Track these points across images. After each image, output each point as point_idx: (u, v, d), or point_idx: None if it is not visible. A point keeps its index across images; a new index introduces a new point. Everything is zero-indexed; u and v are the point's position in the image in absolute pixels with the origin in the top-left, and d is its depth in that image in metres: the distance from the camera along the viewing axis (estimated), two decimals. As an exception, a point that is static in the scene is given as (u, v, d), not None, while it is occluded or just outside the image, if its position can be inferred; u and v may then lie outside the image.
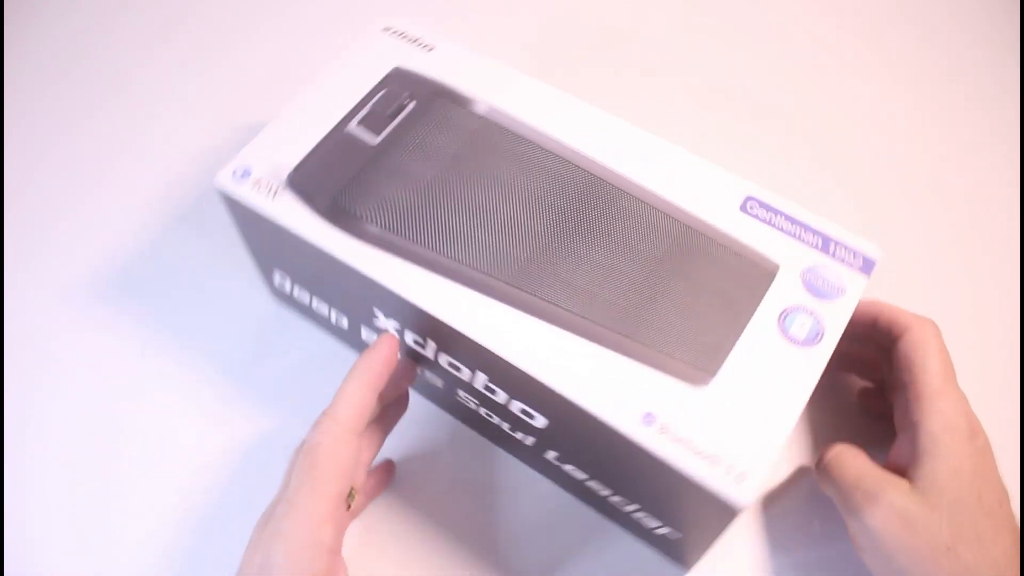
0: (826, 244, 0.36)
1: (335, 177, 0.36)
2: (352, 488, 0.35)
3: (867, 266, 0.35)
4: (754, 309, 0.34)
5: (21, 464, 0.43)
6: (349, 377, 0.34)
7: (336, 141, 0.38)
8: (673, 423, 0.31)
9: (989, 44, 0.58)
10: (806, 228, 0.36)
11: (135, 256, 0.49)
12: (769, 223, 0.36)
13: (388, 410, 0.39)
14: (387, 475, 0.42)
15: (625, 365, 0.32)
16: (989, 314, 0.47)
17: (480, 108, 0.39)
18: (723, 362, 0.33)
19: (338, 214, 0.35)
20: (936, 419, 0.34)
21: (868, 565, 0.35)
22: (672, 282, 0.35)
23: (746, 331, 0.33)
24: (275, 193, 0.36)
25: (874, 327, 0.38)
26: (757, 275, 0.35)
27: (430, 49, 0.41)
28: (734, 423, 0.31)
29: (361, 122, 0.38)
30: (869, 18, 0.60)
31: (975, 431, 0.34)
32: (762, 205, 0.37)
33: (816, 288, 0.34)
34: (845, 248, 0.36)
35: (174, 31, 0.58)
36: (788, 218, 0.36)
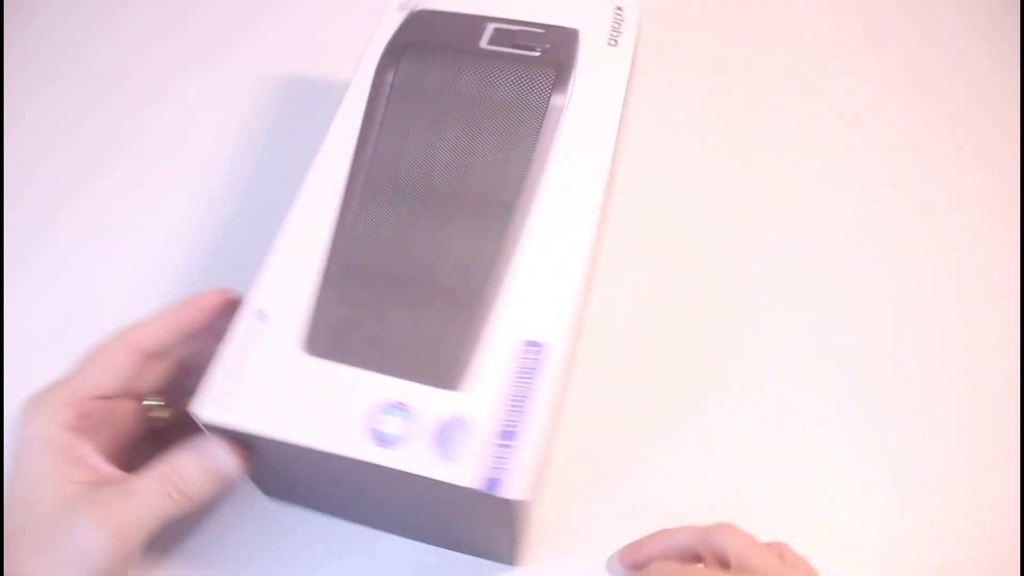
0: None
1: None
2: (151, 398, 0.37)
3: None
4: None
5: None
6: (167, 312, 0.37)
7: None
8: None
9: (989, 44, 0.58)
10: None
11: (136, 256, 0.49)
12: None
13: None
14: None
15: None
16: (989, 314, 0.46)
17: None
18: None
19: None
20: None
21: None
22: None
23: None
24: None
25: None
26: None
27: None
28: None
29: None
30: (868, 18, 0.60)
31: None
32: None
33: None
34: None
35: (174, 31, 0.58)
36: None
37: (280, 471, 0.36)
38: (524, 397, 0.31)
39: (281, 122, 0.54)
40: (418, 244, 0.35)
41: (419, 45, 0.41)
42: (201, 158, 0.53)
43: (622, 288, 0.47)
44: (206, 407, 0.32)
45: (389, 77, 0.40)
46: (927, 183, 0.52)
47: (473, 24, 0.42)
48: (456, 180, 0.37)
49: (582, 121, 0.39)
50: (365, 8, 0.55)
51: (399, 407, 0.31)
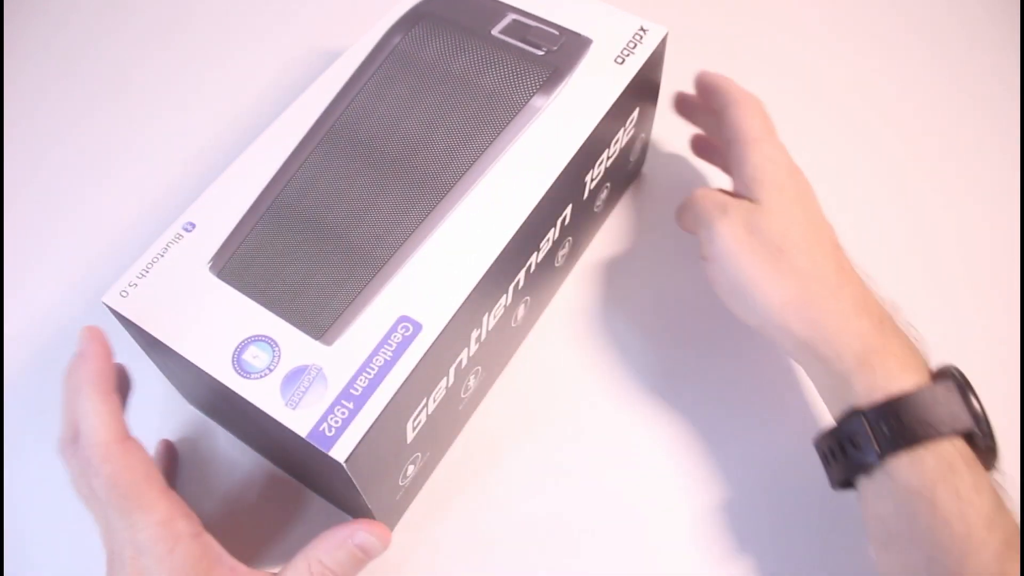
0: None
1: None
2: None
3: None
4: None
5: (21, 466, 0.43)
6: (83, 395, 0.32)
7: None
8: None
9: (989, 44, 0.58)
10: None
11: (135, 258, 0.48)
12: None
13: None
14: (171, 453, 0.42)
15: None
16: (989, 315, 0.47)
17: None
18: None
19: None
20: (759, 156, 0.39)
21: (710, 279, 0.40)
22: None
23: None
24: None
25: (710, 95, 0.43)
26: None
27: None
28: None
29: None
30: (866, 17, 0.60)
31: (792, 169, 0.40)
32: None
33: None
34: None
35: (174, 31, 0.58)
36: None
37: (184, 378, 0.38)
38: (381, 368, 0.32)
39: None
40: (348, 200, 0.37)
41: (435, 17, 0.42)
42: (202, 158, 0.53)
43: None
44: (111, 295, 0.34)
45: (395, 40, 0.42)
46: (927, 183, 0.52)
47: (495, 11, 0.43)
48: (408, 150, 0.38)
49: (552, 129, 0.38)
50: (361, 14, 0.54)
51: (268, 342, 0.33)
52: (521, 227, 0.36)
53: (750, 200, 0.39)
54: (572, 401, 0.44)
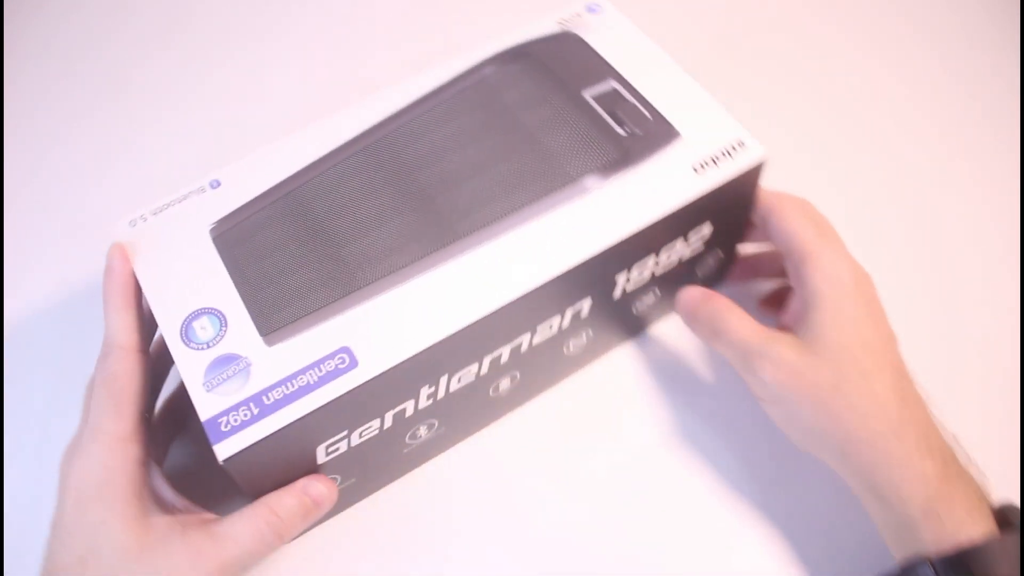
0: None
1: None
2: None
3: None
4: None
5: (21, 465, 0.43)
6: (109, 304, 0.35)
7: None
8: None
9: (989, 44, 0.57)
10: None
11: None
12: None
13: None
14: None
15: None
16: (989, 315, 0.46)
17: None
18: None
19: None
20: (817, 275, 0.36)
21: (768, 412, 0.38)
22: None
23: None
24: None
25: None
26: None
27: None
28: None
29: None
30: (864, 17, 0.59)
31: (858, 279, 0.36)
32: None
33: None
34: None
35: (174, 31, 0.57)
36: None
37: None
38: (301, 388, 0.32)
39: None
40: (356, 214, 0.36)
41: (535, 61, 0.40)
42: (202, 159, 0.51)
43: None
44: (120, 225, 0.36)
45: (486, 70, 0.40)
46: (926, 183, 0.51)
47: (598, 73, 0.40)
48: (439, 185, 0.37)
49: (592, 215, 0.36)
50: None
51: (219, 319, 0.33)
52: (507, 306, 0.34)
53: (797, 329, 0.36)
54: (525, 496, 0.41)
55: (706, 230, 0.40)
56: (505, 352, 0.37)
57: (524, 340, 0.37)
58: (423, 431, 0.38)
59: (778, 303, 0.43)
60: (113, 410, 0.33)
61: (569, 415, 0.43)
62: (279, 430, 0.31)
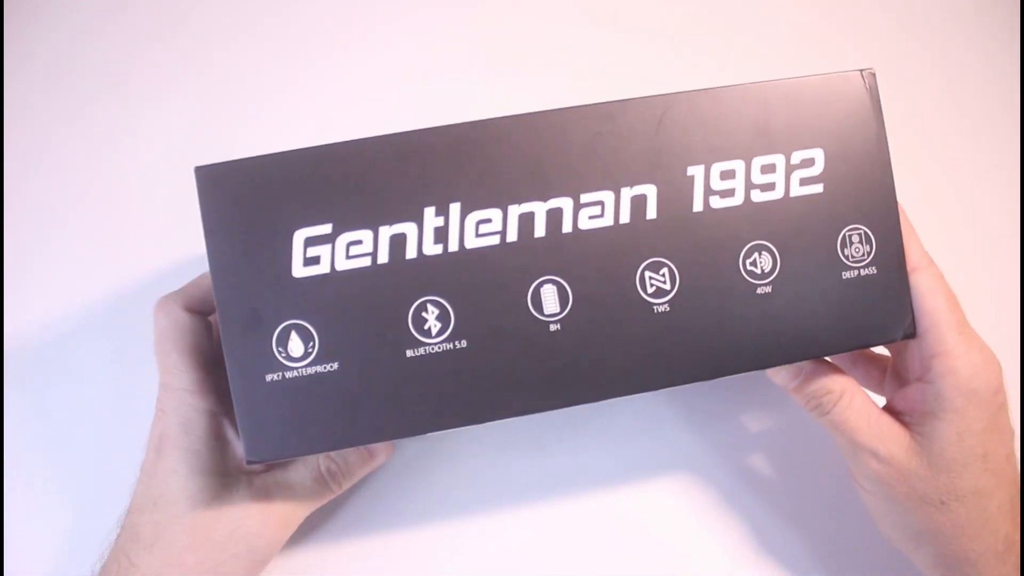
0: None
1: None
2: None
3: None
4: None
5: (21, 465, 0.43)
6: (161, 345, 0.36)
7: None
8: None
9: (989, 44, 0.55)
10: None
11: (136, 258, 0.48)
12: None
13: None
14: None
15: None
16: (989, 315, 0.41)
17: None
18: None
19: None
20: (950, 381, 0.33)
21: (865, 501, 0.36)
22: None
23: None
24: None
25: None
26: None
27: None
28: None
29: None
30: (864, 17, 0.56)
31: (995, 389, 0.33)
32: None
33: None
34: None
35: (175, 31, 0.56)
36: None
37: None
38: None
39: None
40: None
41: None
42: (202, 159, 0.50)
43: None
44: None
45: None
46: (926, 183, 0.49)
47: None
48: None
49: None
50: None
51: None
52: (516, 119, 0.31)
53: (915, 427, 0.34)
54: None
55: (818, 159, 0.32)
56: (539, 213, 0.31)
57: (565, 207, 0.31)
58: (433, 320, 0.30)
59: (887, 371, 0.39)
60: (170, 363, 0.34)
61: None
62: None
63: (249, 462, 0.30)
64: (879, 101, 0.33)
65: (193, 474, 0.34)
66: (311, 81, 0.52)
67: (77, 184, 0.51)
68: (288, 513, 0.35)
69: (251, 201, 0.30)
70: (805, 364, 0.35)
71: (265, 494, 0.34)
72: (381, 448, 0.38)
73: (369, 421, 0.30)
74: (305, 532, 0.40)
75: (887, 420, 0.34)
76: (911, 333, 0.33)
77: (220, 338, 0.31)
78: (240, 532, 0.34)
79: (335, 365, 0.30)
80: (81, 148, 0.52)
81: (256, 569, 0.35)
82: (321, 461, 0.36)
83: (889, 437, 0.33)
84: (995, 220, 0.50)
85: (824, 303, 0.32)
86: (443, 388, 0.31)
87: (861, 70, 0.33)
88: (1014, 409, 0.40)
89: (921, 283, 0.33)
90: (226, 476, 0.34)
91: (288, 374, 0.30)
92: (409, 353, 0.31)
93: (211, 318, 0.37)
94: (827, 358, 0.36)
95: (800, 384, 0.35)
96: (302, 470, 0.36)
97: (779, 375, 0.35)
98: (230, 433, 0.35)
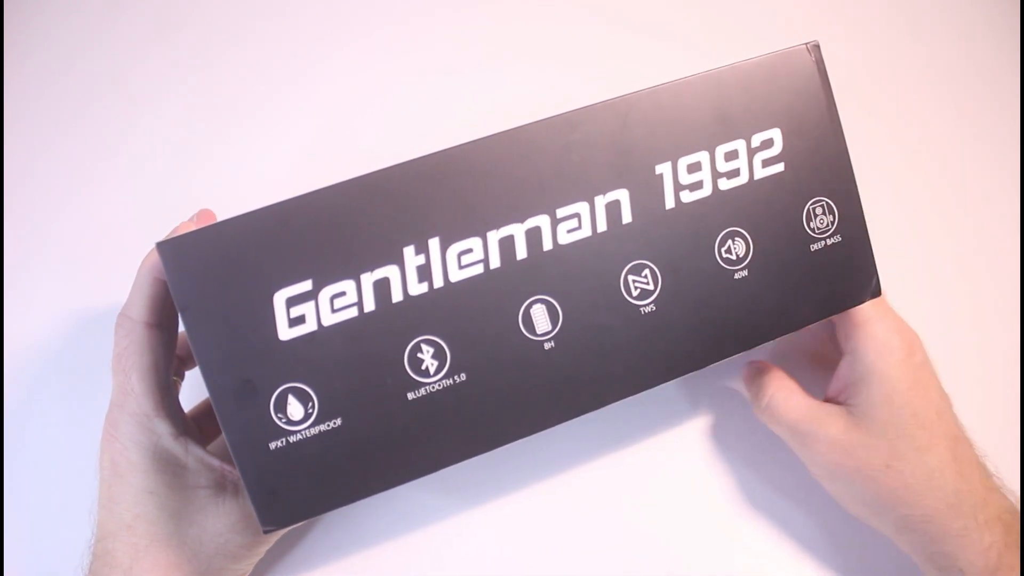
0: None
1: None
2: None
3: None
4: None
5: (21, 465, 0.43)
6: (138, 273, 0.34)
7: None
8: None
9: (989, 44, 0.56)
10: None
11: (136, 257, 0.48)
12: None
13: None
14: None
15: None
16: (989, 316, 0.46)
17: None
18: None
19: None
20: (869, 345, 0.35)
21: (825, 487, 0.38)
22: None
23: None
24: None
25: None
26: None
27: None
28: None
29: None
30: (863, 17, 0.57)
31: (911, 348, 0.36)
32: None
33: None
34: None
35: (175, 31, 0.56)
36: None
37: None
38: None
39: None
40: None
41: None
42: (203, 159, 0.51)
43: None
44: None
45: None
46: (926, 182, 0.50)
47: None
48: None
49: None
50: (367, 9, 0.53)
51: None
52: (487, 140, 0.31)
53: (848, 400, 0.36)
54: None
55: (776, 139, 0.33)
56: (518, 235, 0.31)
57: (543, 225, 0.31)
58: (429, 359, 0.30)
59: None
60: (135, 388, 0.33)
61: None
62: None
63: (266, 531, 0.30)
64: (826, 73, 0.34)
65: (173, 492, 0.33)
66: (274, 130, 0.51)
67: (77, 184, 0.51)
68: (259, 535, 0.34)
69: (223, 269, 0.29)
70: (747, 365, 0.39)
71: (232, 516, 0.34)
72: None
73: (381, 469, 0.30)
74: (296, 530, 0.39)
75: (823, 406, 0.37)
76: (877, 292, 0.35)
77: (187, 341, 0.30)
78: (225, 547, 0.33)
79: (338, 421, 0.30)
80: (81, 148, 0.52)
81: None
82: None
83: (827, 420, 0.36)
84: (995, 220, 0.50)
85: (796, 278, 0.34)
86: (449, 424, 0.31)
87: (806, 44, 0.34)
88: (1014, 409, 0.42)
89: None
90: (195, 497, 0.34)
91: (292, 438, 0.29)
92: (411, 396, 0.30)
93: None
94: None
95: (745, 380, 0.40)
96: None
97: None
98: (196, 451, 0.34)
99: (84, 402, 0.43)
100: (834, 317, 0.37)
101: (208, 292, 0.29)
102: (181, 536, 0.33)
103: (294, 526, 0.34)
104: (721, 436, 0.43)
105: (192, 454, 0.34)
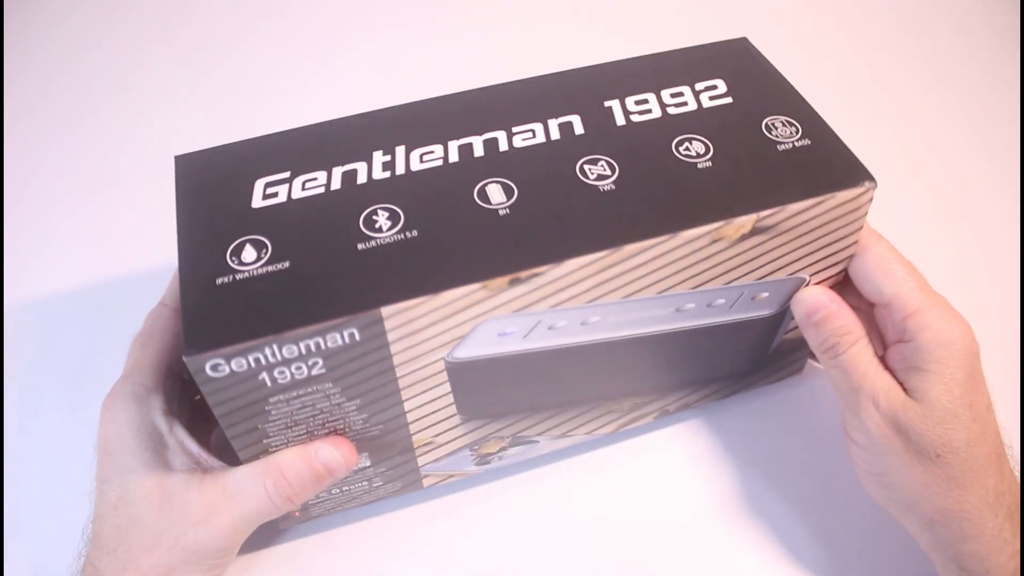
0: None
1: None
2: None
3: None
4: None
5: (21, 464, 0.42)
6: (137, 335, 0.35)
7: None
8: None
9: (989, 44, 0.57)
10: None
11: (136, 257, 0.47)
12: None
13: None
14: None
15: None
16: (989, 316, 0.41)
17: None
18: None
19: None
20: (928, 334, 0.34)
21: (852, 457, 0.36)
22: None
23: None
24: None
25: None
26: None
27: None
28: None
29: None
30: (862, 17, 0.58)
31: (969, 339, 0.34)
32: None
33: None
34: None
35: (174, 31, 0.55)
36: None
37: None
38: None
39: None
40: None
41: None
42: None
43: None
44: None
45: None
46: (925, 184, 0.51)
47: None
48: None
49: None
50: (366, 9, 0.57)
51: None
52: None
53: (907, 384, 0.34)
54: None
55: (720, 85, 0.36)
56: (477, 143, 0.33)
57: (500, 137, 0.34)
58: (383, 220, 0.31)
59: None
60: (142, 362, 0.35)
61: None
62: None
63: (187, 355, 0.28)
64: (760, 53, 0.39)
65: (149, 475, 0.32)
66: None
67: (77, 183, 0.51)
68: (235, 523, 0.33)
69: (219, 170, 0.34)
70: (828, 303, 0.35)
71: (212, 502, 0.33)
72: (338, 463, 0.33)
73: (320, 304, 0.29)
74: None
75: (887, 373, 0.34)
76: (871, 178, 0.32)
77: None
78: (188, 538, 0.32)
79: (287, 264, 0.30)
80: (81, 148, 0.52)
81: (212, 573, 0.34)
82: (270, 472, 0.32)
83: (889, 389, 0.34)
84: (995, 220, 0.50)
85: (770, 167, 0.33)
86: (395, 270, 0.30)
87: (741, 38, 0.39)
88: (1014, 409, 0.42)
89: (876, 256, 0.35)
90: (177, 480, 0.33)
91: (238, 276, 0.30)
92: (360, 247, 0.30)
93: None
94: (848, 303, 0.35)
95: (822, 319, 0.35)
96: (250, 482, 0.33)
97: (802, 305, 0.35)
98: (180, 433, 0.34)
99: (85, 402, 0.41)
100: (880, 306, 0.35)
101: (204, 184, 0.33)
102: (155, 520, 0.32)
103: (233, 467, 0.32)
104: (722, 436, 0.42)
105: (175, 435, 0.34)
